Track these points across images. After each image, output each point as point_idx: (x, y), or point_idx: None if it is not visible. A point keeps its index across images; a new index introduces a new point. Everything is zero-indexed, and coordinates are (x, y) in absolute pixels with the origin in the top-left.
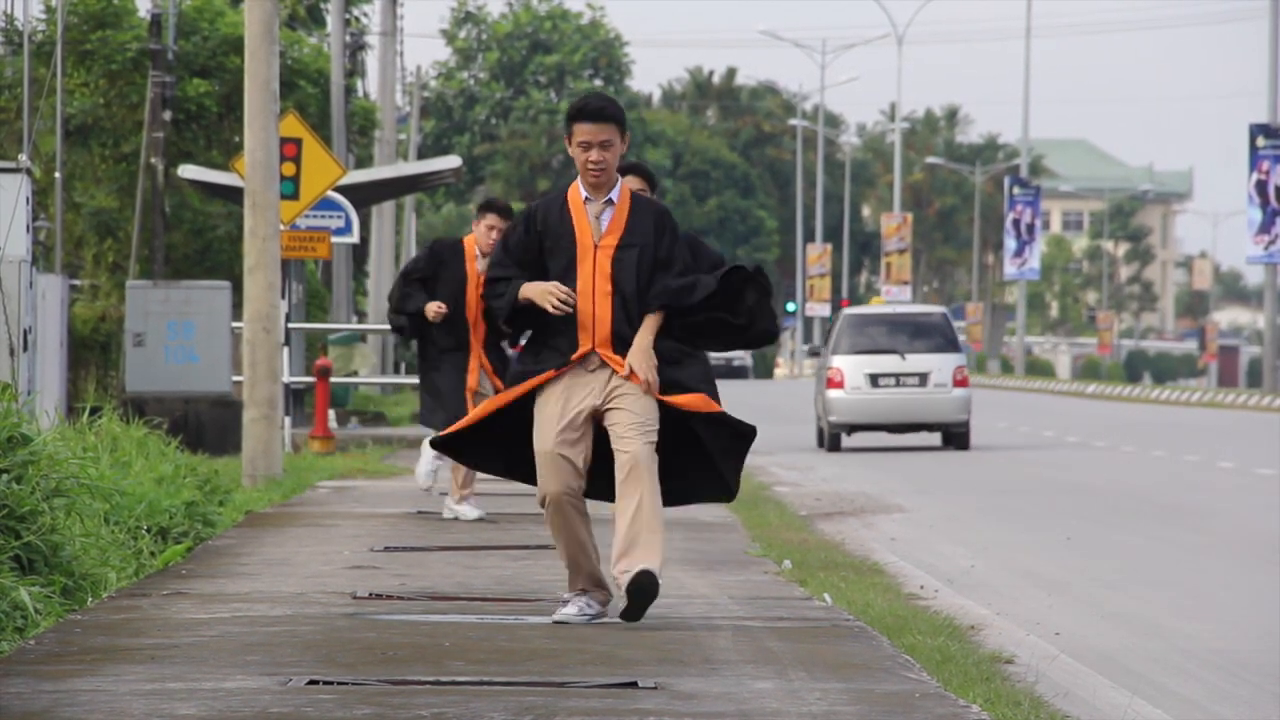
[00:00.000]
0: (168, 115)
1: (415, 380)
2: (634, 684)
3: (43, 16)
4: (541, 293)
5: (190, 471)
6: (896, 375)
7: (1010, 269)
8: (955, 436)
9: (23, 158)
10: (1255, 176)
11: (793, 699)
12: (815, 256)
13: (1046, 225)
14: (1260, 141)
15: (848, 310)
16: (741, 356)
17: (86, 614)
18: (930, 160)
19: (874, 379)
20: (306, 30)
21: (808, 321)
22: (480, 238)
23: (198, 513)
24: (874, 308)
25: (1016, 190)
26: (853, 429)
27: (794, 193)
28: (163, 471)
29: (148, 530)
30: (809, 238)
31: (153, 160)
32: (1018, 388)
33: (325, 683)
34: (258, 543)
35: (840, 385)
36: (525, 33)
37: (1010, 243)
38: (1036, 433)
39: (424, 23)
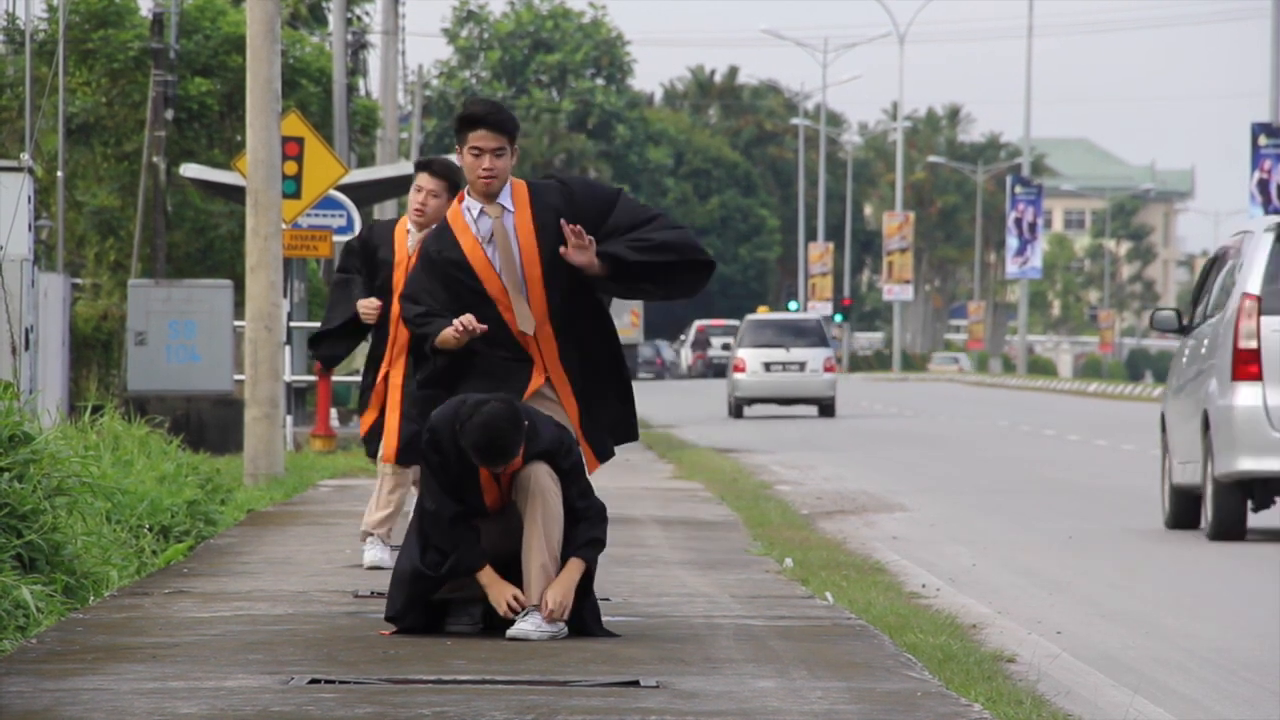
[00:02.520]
0: (169, 114)
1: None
2: (635, 683)
3: (44, 15)
4: (451, 335)
5: (192, 470)
6: (783, 363)
7: (1012, 268)
8: (825, 408)
9: (25, 156)
10: (1257, 175)
11: (794, 698)
12: (817, 255)
13: (1048, 224)
14: (1262, 140)
15: (749, 317)
16: None
17: (88, 613)
18: (932, 159)
19: (767, 365)
20: (308, 29)
21: None
22: (409, 203)
23: (199, 511)
24: (769, 315)
25: (1018, 189)
26: (752, 401)
27: (796, 192)
28: (164, 470)
29: (149, 529)
30: (811, 236)
31: (154, 159)
32: (1019, 386)
33: (327, 681)
34: (259, 541)
35: (743, 370)
36: (527, 32)
37: (1012, 241)
38: (1037, 431)
39: (426, 22)
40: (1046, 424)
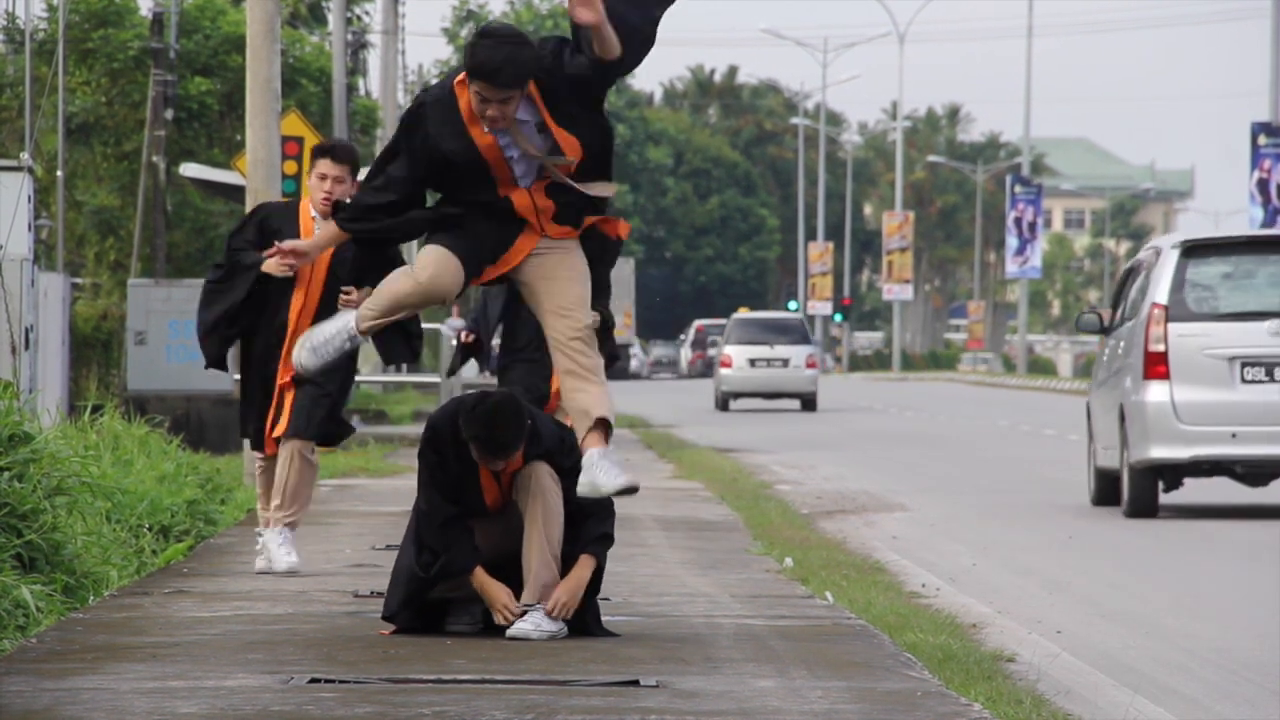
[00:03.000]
0: (169, 114)
1: (416, 378)
2: (635, 682)
3: (44, 15)
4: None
5: (192, 470)
6: (767, 359)
7: (1012, 267)
8: (807, 402)
9: (24, 156)
10: (1257, 175)
11: (794, 697)
12: (817, 255)
13: (1048, 224)
14: (1262, 140)
15: (735, 315)
16: None
17: (88, 612)
18: (932, 159)
19: (752, 361)
20: (308, 29)
21: (809, 320)
22: (312, 191)
23: (199, 511)
24: (754, 314)
25: (1018, 189)
26: (738, 395)
27: (796, 191)
28: (164, 470)
29: (149, 528)
30: (810, 236)
31: (154, 159)
32: (1020, 386)
33: (327, 681)
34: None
35: (730, 365)
36: (527, 31)
37: (1012, 241)
38: (1037, 431)
39: (426, 21)
40: (1046, 424)
